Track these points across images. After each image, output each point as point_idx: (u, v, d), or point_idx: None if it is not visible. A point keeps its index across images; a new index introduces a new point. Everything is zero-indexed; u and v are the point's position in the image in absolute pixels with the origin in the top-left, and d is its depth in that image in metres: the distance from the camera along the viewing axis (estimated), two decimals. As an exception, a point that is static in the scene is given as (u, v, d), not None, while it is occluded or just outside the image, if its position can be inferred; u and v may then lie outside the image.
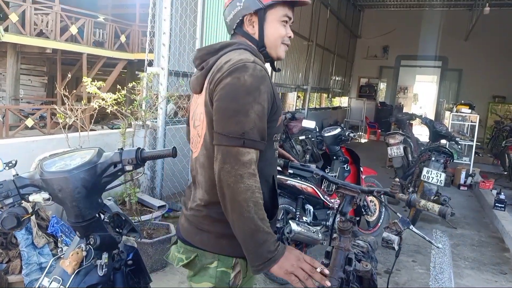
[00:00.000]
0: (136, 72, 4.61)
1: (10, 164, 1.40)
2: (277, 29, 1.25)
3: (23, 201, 1.33)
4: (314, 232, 2.80)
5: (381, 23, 13.71)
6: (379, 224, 3.75)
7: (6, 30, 9.34)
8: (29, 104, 11.71)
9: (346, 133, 3.54)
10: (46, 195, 1.34)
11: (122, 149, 1.44)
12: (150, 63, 4.53)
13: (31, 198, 1.33)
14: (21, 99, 11.40)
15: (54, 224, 2.28)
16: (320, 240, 2.77)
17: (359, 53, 14.92)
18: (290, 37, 1.30)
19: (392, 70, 14.73)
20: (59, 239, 2.12)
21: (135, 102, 3.71)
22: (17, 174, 1.36)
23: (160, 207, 3.19)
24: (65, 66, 11.94)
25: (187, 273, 1.31)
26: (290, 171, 2.91)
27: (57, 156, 1.45)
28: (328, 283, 1.10)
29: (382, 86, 15.40)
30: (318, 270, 1.09)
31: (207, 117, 1.18)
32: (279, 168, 2.81)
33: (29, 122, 9.60)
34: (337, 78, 13.19)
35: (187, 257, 1.26)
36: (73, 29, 10.88)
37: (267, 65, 1.33)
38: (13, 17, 9.49)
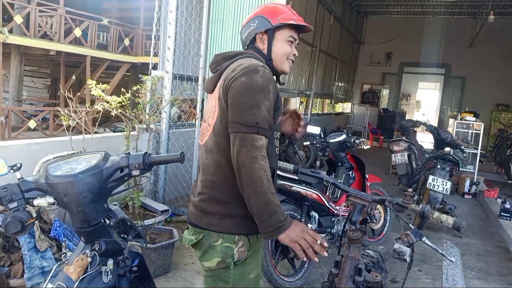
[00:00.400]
0: (139, 75, 4.60)
1: (15, 168, 1.37)
2: (283, 47, 1.48)
3: (27, 205, 1.29)
4: (319, 240, 2.77)
5: (385, 30, 13.73)
6: (384, 232, 3.71)
7: (10, 31, 9.35)
8: (32, 106, 11.72)
9: (352, 140, 3.50)
10: (51, 200, 1.30)
11: (129, 153, 1.41)
12: (155, 67, 4.52)
13: (35, 202, 1.30)
14: (24, 101, 11.41)
15: (56, 228, 2.25)
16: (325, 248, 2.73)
17: (362, 60, 14.92)
18: (294, 55, 1.52)
19: (395, 77, 14.73)
20: (63, 244, 2.09)
21: (139, 105, 3.70)
22: (22, 178, 1.33)
23: (163, 212, 3.16)
24: (69, 68, 11.95)
25: (196, 254, 1.48)
26: (294, 177, 2.91)
27: (63, 160, 1.42)
28: (326, 254, 1.28)
29: (385, 92, 15.39)
30: (319, 242, 1.27)
31: (220, 109, 1.38)
32: (289, 175, 2.81)
33: (32, 123, 9.59)
34: (340, 84, 13.18)
35: (196, 237, 1.44)
36: (77, 32, 10.90)
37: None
38: (18, 19, 9.51)
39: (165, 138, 4.26)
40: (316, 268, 3.11)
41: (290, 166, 1.82)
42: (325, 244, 1.28)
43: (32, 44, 9.85)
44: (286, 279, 2.68)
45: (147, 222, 2.93)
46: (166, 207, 3.26)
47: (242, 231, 1.39)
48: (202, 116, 4.30)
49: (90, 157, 1.40)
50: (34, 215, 1.31)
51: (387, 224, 3.74)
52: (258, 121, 1.27)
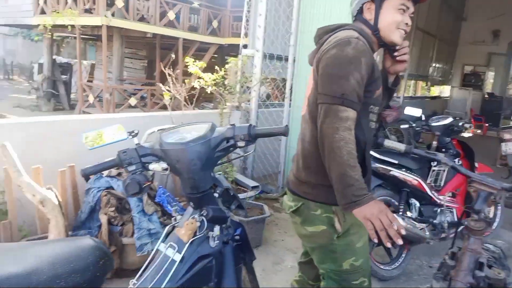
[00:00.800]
0: (226, 57, 4.68)
1: (133, 134, 1.44)
2: (392, 16, 1.40)
3: (143, 169, 1.36)
4: (421, 230, 2.57)
5: (491, 5, 12.02)
6: (493, 228, 3.31)
7: (112, 15, 10.20)
8: (131, 85, 12.78)
9: (460, 123, 3.15)
10: (165, 165, 1.35)
11: (234, 124, 1.41)
12: (245, 46, 4.54)
13: (151, 166, 1.36)
14: (125, 80, 12.49)
15: (161, 194, 2.42)
16: (427, 239, 2.52)
17: (464, 38, 13.34)
18: (407, 24, 1.43)
19: (503, 58, 12.92)
20: (173, 209, 2.23)
21: (227, 84, 3.77)
22: (139, 144, 1.39)
23: (254, 188, 3.21)
24: (162, 50, 12.73)
25: (296, 220, 1.54)
26: (393, 160, 2.71)
27: (174, 129, 1.47)
28: (400, 241, 1.18)
29: (490, 75, 13.65)
30: (395, 227, 1.18)
31: (314, 81, 1.42)
32: (386, 158, 2.63)
33: (132, 101, 10.50)
34: (437, 65, 12.01)
35: (295, 204, 1.51)
36: (171, 15, 11.50)
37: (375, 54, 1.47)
38: (119, 3, 10.30)
39: (255, 117, 4.30)
40: (414, 259, 2.90)
41: (402, 146, 1.67)
42: (403, 231, 1.19)
43: (131, 27, 10.63)
44: (381, 267, 2.54)
45: (239, 196, 3.00)
46: (256, 184, 3.31)
47: (336, 201, 1.41)
48: (291, 95, 4.23)
49: (199, 127, 1.43)
50: (150, 179, 1.38)
51: (497, 219, 3.33)
52: (345, 92, 1.27)
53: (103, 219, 2.33)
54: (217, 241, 1.38)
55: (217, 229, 1.39)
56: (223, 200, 1.50)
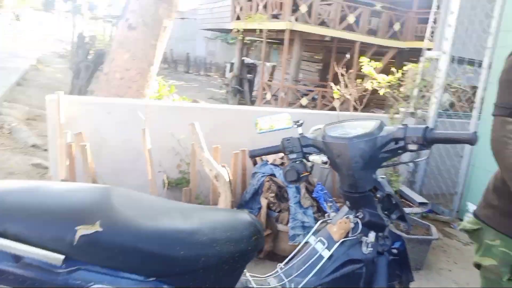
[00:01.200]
0: (404, 63, 4.33)
1: (298, 123, 1.47)
2: None
3: (303, 159, 1.36)
4: None
5: None
6: None
7: (296, 20, 10.85)
8: (305, 86, 13.40)
9: None
10: (325, 158, 1.33)
11: (406, 124, 1.25)
12: (429, 49, 4.13)
13: (311, 158, 1.36)
14: (299, 81, 13.17)
15: (318, 191, 2.42)
16: None
17: None
18: None
19: None
20: (328, 205, 2.22)
21: (405, 87, 3.49)
22: (302, 133, 1.40)
23: (421, 204, 2.87)
24: (338, 54, 12.82)
25: (474, 247, 1.36)
26: None
27: (339, 123, 1.43)
28: None
29: None
30: None
31: None
32: None
33: (304, 101, 11.05)
34: None
35: (470, 227, 1.35)
36: (351, 18, 11.46)
37: None
38: (303, 8, 10.90)
39: (432, 126, 3.85)
40: None
41: None
42: None
43: (311, 31, 11.08)
44: None
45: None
46: (425, 200, 2.95)
47: None
48: (482, 105, 3.62)
49: (366, 124, 1.34)
50: (309, 170, 1.37)
51: None
52: None
53: (264, 202, 2.49)
54: (371, 248, 1.29)
55: (372, 235, 1.29)
56: (383, 206, 1.38)
